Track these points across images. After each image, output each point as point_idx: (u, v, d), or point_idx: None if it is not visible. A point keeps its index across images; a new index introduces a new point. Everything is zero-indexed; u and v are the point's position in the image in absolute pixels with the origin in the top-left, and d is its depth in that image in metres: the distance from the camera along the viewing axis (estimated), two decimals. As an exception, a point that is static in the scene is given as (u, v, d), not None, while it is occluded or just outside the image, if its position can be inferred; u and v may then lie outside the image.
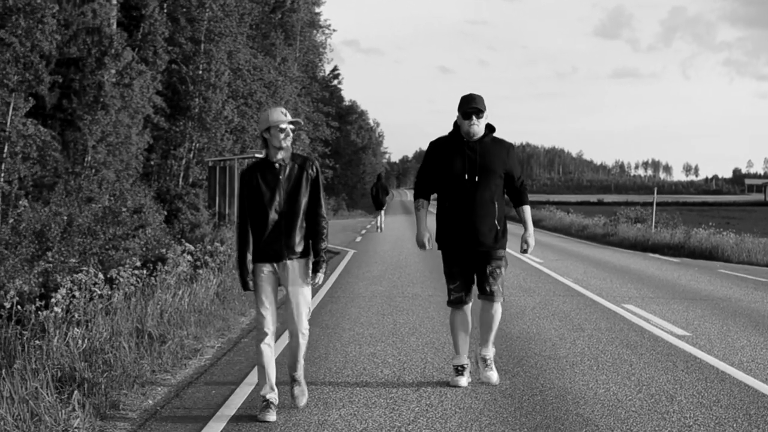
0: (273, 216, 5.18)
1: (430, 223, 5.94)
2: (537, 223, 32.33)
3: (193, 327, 8.08)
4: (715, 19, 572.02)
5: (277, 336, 5.90)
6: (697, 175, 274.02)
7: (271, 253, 5.22)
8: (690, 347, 7.61)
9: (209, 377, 6.35)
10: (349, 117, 73.69)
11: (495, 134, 5.93)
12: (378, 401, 5.57)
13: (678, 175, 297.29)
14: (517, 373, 6.45)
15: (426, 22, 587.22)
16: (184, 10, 28.53)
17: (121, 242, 12.79)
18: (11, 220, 12.41)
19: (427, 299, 10.71)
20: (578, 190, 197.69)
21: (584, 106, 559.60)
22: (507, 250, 6.03)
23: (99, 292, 7.50)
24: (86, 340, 6.47)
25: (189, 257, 10.23)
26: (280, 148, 5.19)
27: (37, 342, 6.17)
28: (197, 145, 28.68)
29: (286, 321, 5.37)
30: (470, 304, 6.03)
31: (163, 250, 10.44)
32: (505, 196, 6.08)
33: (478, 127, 5.79)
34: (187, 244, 11.04)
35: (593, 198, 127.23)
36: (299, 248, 5.24)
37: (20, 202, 13.42)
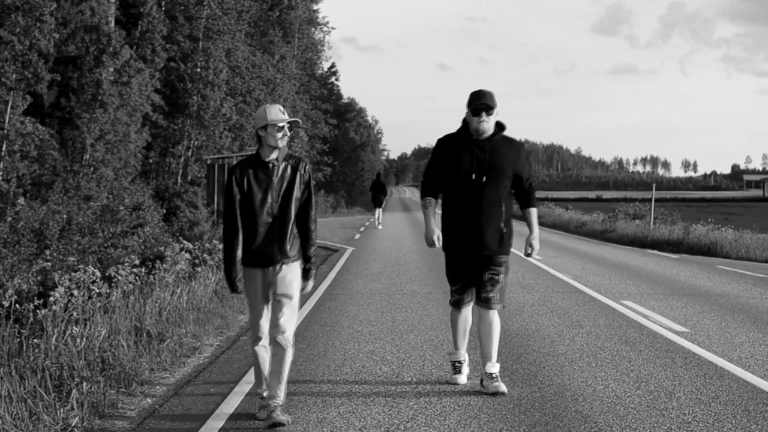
0: (265, 218, 4.93)
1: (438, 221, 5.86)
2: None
3: (191, 325, 8.07)
4: (713, 15, 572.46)
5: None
6: (695, 171, 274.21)
7: (263, 258, 4.97)
8: (689, 343, 7.61)
9: (208, 375, 6.34)
10: (347, 114, 73.68)
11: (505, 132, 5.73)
12: (377, 399, 5.56)
13: (676, 171, 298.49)
14: (516, 370, 6.45)
15: (425, 20, 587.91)
16: (182, 7, 28.54)
17: (120, 240, 12.79)
18: (9, 219, 12.39)
19: (425, 296, 10.71)
20: (577, 186, 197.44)
21: (583, 102, 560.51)
22: (512, 250, 5.86)
23: (97, 291, 7.48)
24: (84, 339, 6.46)
25: (187, 255, 10.22)
26: (276, 148, 4.96)
27: (35, 341, 6.16)
28: (196, 142, 28.67)
29: (271, 328, 5.04)
30: (471, 304, 5.90)
31: (162, 248, 10.44)
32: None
33: (487, 125, 5.58)
34: (185, 242, 11.05)
35: (592, 194, 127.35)
36: (292, 252, 5.01)
37: (18, 201, 13.40)
